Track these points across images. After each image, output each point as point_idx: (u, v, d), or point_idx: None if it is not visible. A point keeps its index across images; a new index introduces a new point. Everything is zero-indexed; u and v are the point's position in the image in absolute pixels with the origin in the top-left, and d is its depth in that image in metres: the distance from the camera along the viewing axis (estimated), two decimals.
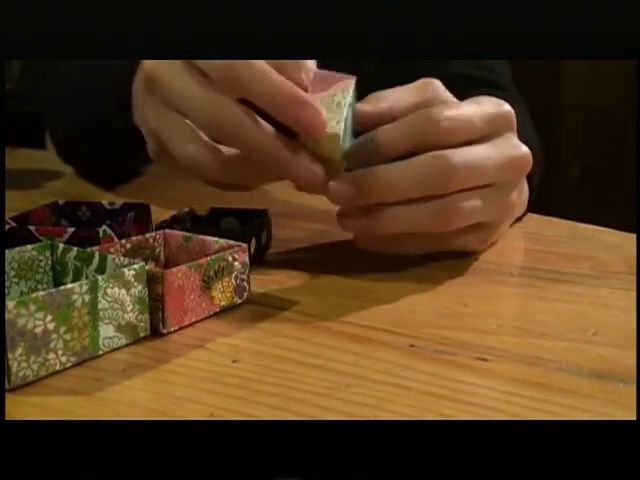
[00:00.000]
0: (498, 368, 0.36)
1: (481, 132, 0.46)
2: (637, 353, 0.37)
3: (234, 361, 0.36)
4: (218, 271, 0.40)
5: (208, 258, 0.40)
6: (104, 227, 0.46)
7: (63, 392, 0.33)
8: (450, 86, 0.51)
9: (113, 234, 0.46)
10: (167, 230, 0.46)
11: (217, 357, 0.37)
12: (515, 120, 0.48)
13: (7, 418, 0.31)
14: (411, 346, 0.38)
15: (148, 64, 0.46)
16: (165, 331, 0.38)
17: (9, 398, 0.32)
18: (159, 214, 0.51)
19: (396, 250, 0.47)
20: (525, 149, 0.48)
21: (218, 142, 0.45)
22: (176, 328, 0.39)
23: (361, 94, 0.48)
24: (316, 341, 0.38)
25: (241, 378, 0.34)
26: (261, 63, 0.42)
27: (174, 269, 0.38)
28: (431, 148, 0.44)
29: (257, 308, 0.42)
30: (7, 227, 0.45)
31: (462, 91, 0.54)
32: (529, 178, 0.54)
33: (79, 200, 0.53)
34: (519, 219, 0.59)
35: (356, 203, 0.44)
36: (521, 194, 0.53)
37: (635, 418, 0.31)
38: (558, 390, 0.33)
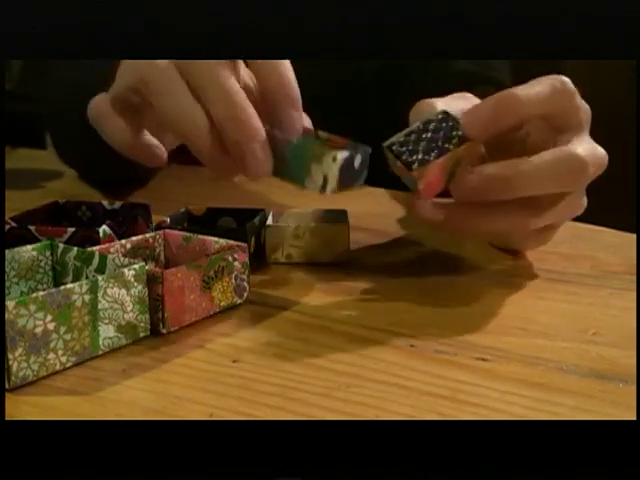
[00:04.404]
0: (498, 368, 0.36)
1: (579, 124, 0.45)
2: (637, 353, 0.37)
3: (234, 361, 0.36)
4: (218, 271, 0.40)
5: (208, 258, 0.40)
6: (104, 227, 0.46)
7: (63, 392, 0.33)
8: (451, 83, 0.51)
9: (113, 234, 0.46)
10: (167, 230, 0.46)
11: (217, 357, 0.37)
12: None
13: (7, 418, 0.31)
14: (411, 346, 0.38)
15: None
16: (165, 331, 0.38)
17: (9, 398, 0.32)
18: (159, 214, 0.51)
19: (466, 237, 0.47)
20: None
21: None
22: (176, 328, 0.39)
23: (362, 92, 0.48)
24: (316, 341, 0.38)
25: (241, 378, 0.34)
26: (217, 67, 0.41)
27: (174, 269, 0.38)
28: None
29: (257, 308, 0.42)
30: (7, 227, 0.45)
31: (463, 88, 0.53)
32: None
33: (79, 200, 0.53)
34: None
35: (486, 196, 0.42)
36: None
37: (635, 418, 0.31)
38: (558, 390, 0.33)
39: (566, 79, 0.44)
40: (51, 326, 0.34)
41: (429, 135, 0.43)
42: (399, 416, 0.31)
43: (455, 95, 0.48)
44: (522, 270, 0.49)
